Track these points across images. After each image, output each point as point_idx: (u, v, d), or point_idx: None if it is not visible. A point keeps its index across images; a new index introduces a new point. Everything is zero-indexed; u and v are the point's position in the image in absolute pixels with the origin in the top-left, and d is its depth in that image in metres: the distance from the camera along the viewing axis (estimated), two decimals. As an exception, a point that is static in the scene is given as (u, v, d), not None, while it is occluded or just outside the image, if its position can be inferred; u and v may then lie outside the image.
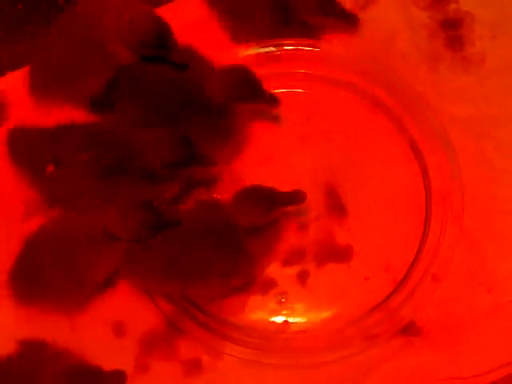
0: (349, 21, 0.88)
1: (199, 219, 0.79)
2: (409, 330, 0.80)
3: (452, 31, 0.91)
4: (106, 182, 0.79)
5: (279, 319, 0.82)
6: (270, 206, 0.76)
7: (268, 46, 0.89)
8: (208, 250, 0.77)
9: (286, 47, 0.89)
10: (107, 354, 0.80)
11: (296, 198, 0.77)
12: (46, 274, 0.78)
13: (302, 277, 0.83)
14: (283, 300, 0.82)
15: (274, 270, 0.83)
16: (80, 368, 0.76)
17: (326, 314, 0.82)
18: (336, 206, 0.85)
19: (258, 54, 0.88)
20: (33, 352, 0.79)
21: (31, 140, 0.82)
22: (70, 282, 0.79)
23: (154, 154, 0.78)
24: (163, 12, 0.84)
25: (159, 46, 0.79)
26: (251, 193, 0.77)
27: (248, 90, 0.80)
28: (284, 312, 0.82)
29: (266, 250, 0.81)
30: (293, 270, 0.83)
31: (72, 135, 0.81)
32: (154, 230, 0.77)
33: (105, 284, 0.82)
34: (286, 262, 0.84)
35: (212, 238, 0.77)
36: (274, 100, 0.82)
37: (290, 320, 0.82)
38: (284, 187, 0.84)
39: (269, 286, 0.83)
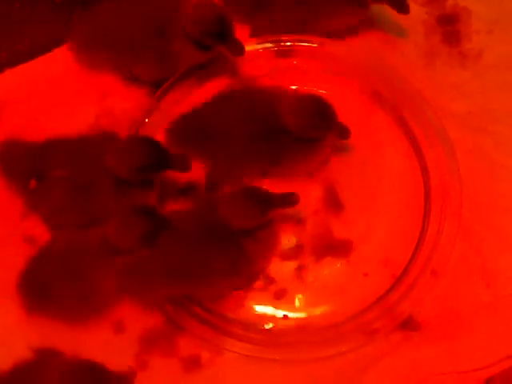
0: (402, 8, 0.85)
1: (197, 219, 0.78)
2: (408, 324, 0.80)
3: (449, 26, 0.91)
4: (83, 196, 0.79)
5: (278, 314, 0.82)
6: (265, 208, 0.76)
7: (265, 43, 0.89)
8: (207, 250, 0.77)
9: (283, 43, 0.89)
10: (106, 352, 0.80)
11: (290, 200, 0.76)
12: (55, 289, 0.78)
13: (301, 272, 0.83)
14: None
15: (272, 265, 0.83)
16: (86, 367, 0.76)
17: (324, 309, 0.82)
18: (334, 202, 0.85)
19: (255, 51, 0.89)
20: (38, 356, 0.79)
21: (19, 154, 0.82)
22: (81, 297, 0.79)
23: (125, 160, 0.77)
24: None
25: (219, 34, 0.81)
26: (245, 195, 0.76)
27: (323, 122, 0.79)
28: (283, 307, 0.82)
29: (264, 251, 0.81)
30: (291, 266, 0.83)
31: (55, 150, 0.81)
32: (155, 236, 0.76)
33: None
34: (285, 258, 0.84)
35: (211, 238, 0.77)
36: (345, 131, 0.81)
37: (290, 315, 0.82)
38: (281, 182, 0.85)
39: (268, 281, 0.83)
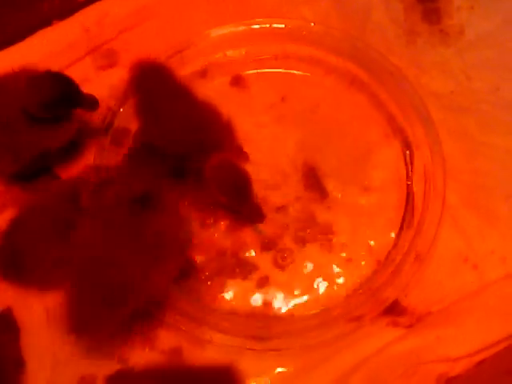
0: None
1: None
2: (393, 310, 0.78)
3: (429, 3, 0.89)
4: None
5: (261, 303, 0.80)
6: (241, 198, 0.75)
7: (240, 26, 0.87)
8: None
9: (257, 25, 0.87)
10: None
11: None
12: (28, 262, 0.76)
13: (283, 260, 0.81)
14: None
15: (253, 253, 0.81)
16: None
17: (308, 297, 0.80)
18: (315, 187, 0.84)
19: (230, 33, 0.87)
20: None
21: None
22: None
23: (31, 95, 0.75)
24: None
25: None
26: (231, 173, 0.75)
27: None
28: (266, 296, 0.80)
29: None
30: (273, 253, 0.81)
31: None
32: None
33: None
34: (266, 245, 0.82)
35: None
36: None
37: (273, 303, 0.80)
38: (262, 169, 0.84)
39: (249, 269, 0.81)
